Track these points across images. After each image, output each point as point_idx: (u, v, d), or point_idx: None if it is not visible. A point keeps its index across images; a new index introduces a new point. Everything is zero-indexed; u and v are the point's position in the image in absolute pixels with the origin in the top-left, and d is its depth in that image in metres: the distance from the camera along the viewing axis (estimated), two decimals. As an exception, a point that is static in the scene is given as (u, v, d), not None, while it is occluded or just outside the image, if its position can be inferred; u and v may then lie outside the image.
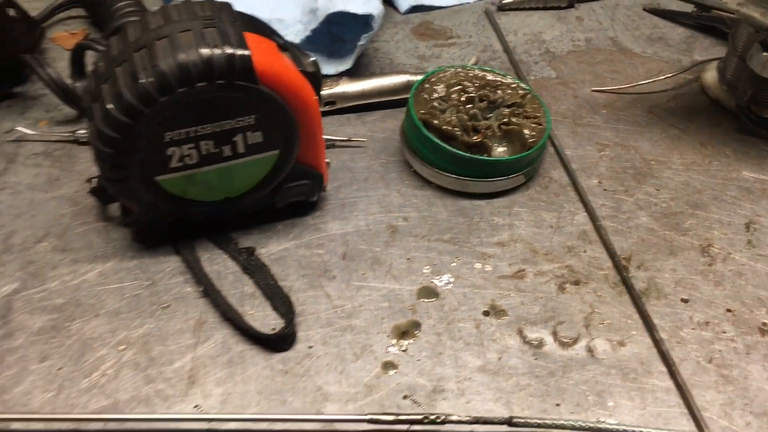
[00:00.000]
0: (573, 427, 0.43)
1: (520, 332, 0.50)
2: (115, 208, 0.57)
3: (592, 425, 0.43)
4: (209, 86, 0.46)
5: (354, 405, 0.45)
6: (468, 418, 0.43)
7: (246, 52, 0.46)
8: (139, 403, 0.45)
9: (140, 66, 0.46)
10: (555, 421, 0.43)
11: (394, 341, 0.49)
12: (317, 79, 0.52)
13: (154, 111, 0.46)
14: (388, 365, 0.48)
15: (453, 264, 0.54)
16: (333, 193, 0.60)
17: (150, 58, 0.46)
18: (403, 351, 0.49)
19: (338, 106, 0.67)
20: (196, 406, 0.45)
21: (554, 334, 0.50)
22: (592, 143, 0.66)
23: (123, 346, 0.48)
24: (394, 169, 0.62)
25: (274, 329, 0.49)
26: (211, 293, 0.51)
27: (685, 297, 0.53)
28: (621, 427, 0.44)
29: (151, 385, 0.46)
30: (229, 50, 0.46)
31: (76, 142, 0.63)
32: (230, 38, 0.47)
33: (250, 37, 0.48)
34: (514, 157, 0.58)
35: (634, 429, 0.44)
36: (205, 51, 0.46)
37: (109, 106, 0.46)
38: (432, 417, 0.43)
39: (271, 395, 0.46)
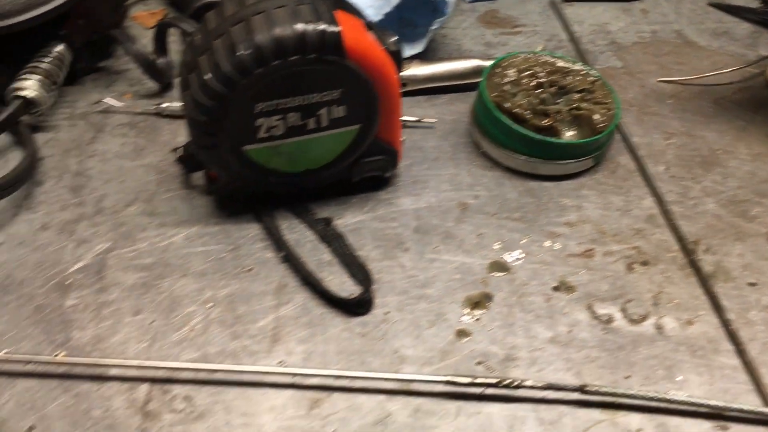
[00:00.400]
0: (644, 398, 0.45)
1: (590, 308, 0.51)
2: (198, 177, 0.60)
3: (663, 397, 0.45)
4: (301, 60, 0.48)
5: (430, 368, 0.47)
6: (542, 384, 0.45)
7: (336, 29, 0.48)
8: (227, 357, 0.47)
9: (238, 39, 0.48)
10: (626, 391, 0.45)
11: (466, 311, 0.51)
12: (399, 58, 0.54)
13: (249, 82, 0.48)
14: (462, 333, 0.50)
15: (523, 241, 0.56)
16: (404, 170, 0.62)
17: (247, 32, 0.48)
18: (476, 320, 0.50)
19: (408, 88, 0.69)
20: (280, 362, 0.47)
21: (623, 310, 0.51)
22: (659, 131, 0.67)
23: (210, 304, 0.50)
24: (463, 150, 0.64)
25: (351, 294, 0.51)
26: (291, 259, 0.53)
27: (753, 281, 0.53)
28: (691, 400, 0.45)
29: (237, 341, 0.48)
30: (321, 26, 0.48)
31: (160, 115, 0.66)
32: (322, 15, 0.49)
33: (339, 15, 0.50)
34: (584, 140, 0.59)
35: (705, 402, 0.45)
36: (299, 26, 0.48)
37: (207, 76, 0.48)
38: (507, 381, 0.45)
39: (350, 355, 0.48)
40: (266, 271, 0.53)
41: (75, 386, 0.45)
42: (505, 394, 0.46)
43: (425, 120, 0.66)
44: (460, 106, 0.68)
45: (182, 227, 0.56)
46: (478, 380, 0.45)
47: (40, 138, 0.62)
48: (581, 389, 0.45)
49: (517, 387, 0.45)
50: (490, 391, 0.46)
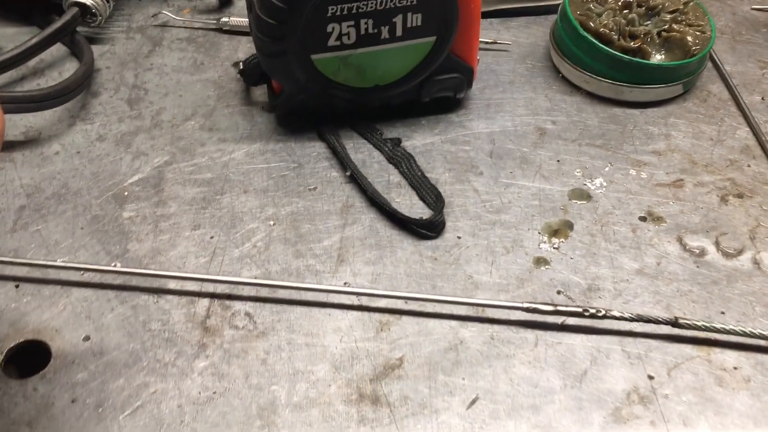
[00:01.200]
0: (744, 334, 0.41)
1: (680, 240, 0.47)
2: (260, 94, 0.57)
3: (763, 333, 0.41)
4: (377, -42, 0.44)
5: (506, 295, 0.44)
6: (630, 316, 0.41)
7: (416, -76, 0.44)
8: (290, 275, 0.45)
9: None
10: (723, 326, 0.41)
11: (545, 238, 0.47)
12: (480, -36, 0.49)
13: (321, -19, 0.44)
14: (540, 261, 0.46)
15: (606, 169, 0.52)
16: (477, 93, 0.58)
17: (320, -75, 0.44)
18: (555, 249, 0.47)
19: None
20: (345, 283, 0.44)
21: (717, 244, 0.47)
22: (753, 60, 0.61)
23: (272, 222, 0.48)
24: (540, 74, 0.60)
25: (422, 217, 0.47)
26: (357, 178, 0.50)
27: None
28: (796, 339, 0.41)
29: (301, 260, 0.46)
30: None
31: (220, 30, 0.62)
32: None
33: None
34: (677, 62, 0.54)
35: (811, 342, 0.41)
36: None
37: (276, -27, 0.45)
38: (592, 311, 0.41)
39: (420, 279, 0.45)
40: (331, 190, 0.50)
41: (132, 298, 0.43)
42: (588, 324, 0.42)
43: (500, 42, 0.62)
44: (537, 29, 0.64)
45: (243, 143, 0.53)
46: (560, 308, 0.41)
47: (96, 50, 0.59)
48: (674, 322, 0.41)
49: (604, 317, 0.41)
50: (572, 321, 0.42)
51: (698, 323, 0.41)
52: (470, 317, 0.43)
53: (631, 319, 0.41)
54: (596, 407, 0.39)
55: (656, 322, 0.41)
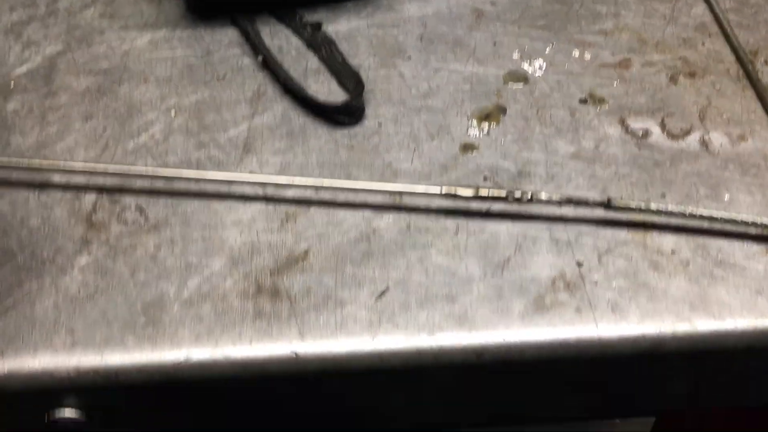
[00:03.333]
0: (681, 215, 0.37)
1: (622, 122, 0.43)
2: (168, -21, 0.51)
3: (703, 214, 0.37)
4: None
5: (427, 182, 0.40)
6: (559, 198, 0.37)
7: None
8: (189, 166, 0.41)
9: None
10: (660, 208, 0.37)
11: (474, 123, 0.43)
12: None
13: None
14: (468, 147, 0.42)
15: (547, 50, 0.47)
16: (411, -26, 0.52)
17: None
18: (485, 134, 0.43)
19: None
20: (250, 172, 0.40)
21: (662, 125, 0.43)
22: (716, -65, 0.56)
23: (173, 111, 0.43)
24: (481, -46, 0.54)
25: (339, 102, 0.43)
26: (271, 64, 0.45)
27: (822, 95, 0.44)
28: (739, 218, 0.37)
29: (202, 150, 0.41)
30: None
31: None
32: None
33: None
34: (626, -68, 0.49)
35: (755, 220, 0.37)
36: None
37: None
38: (517, 195, 0.37)
39: (334, 168, 0.41)
40: (241, 78, 0.45)
41: (10, 194, 0.39)
42: (514, 211, 0.39)
43: None
44: None
45: (147, 31, 0.48)
46: (482, 193, 0.37)
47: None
48: (606, 204, 0.37)
49: (530, 201, 0.37)
50: (497, 207, 0.38)
51: (632, 205, 0.37)
52: (385, 206, 0.39)
53: (560, 203, 0.37)
54: (517, 295, 0.35)
55: (587, 204, 0.37)
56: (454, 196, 0.38)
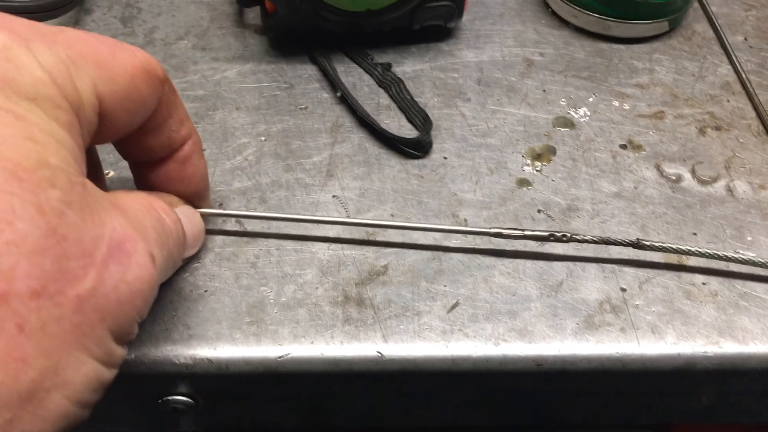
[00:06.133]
0: (707, 255, 0.43)
1: (658, 167, 0.49)
2: (252, 16, 0.57)
3: (722, 254, 0.42)
4: None
5: (488, 212, 0.46)
6: (593, 238, 0.43)
7: None
8: (279, 187, 0.46)
9: None
10: (689, 248, 0.43)
11: (528, 161, 0.49)
12: None
13: None
14: (523, 182, 0.48)
15: (590, 99, 0.53)
16: (467, 24, 0.59)
17: None
18: (538, 171, 0.48)
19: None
20: (334, 196, 0.46)
21: (693, 171, 0.49)
22: (739, 2, 0.63)
23: (263, 137, 0.49)
24: (530, 8, 0.60)
25: (410, 137, 0.49)
26: (348, 99, 0.51)
27: (833, 152, 0.51)
28: (760, 260, 0.43)
29: (291, 173, 0.47)
30: None
31: (213, -46, 0.62)
32: None
33: None
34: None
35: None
36: None
37: None
38: (558, 234, 0.43)
39: (406, 195, 0.46)
40: (321, 110, 0.51)
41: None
42: (568, 253, 0.44)
43: (491, -25, 0.62)
44: (528, -34, 0.64)
45: (235, 63, 0.54)
46: (527, 232, 0.43)
47: (89, -32, 0.59)
48: (636, 244, 0.42)
49: (569, 240, 0.43)
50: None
51: (657, 244, 0.42)
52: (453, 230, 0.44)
53: (593, 242, 0.43)
54: (570, 314, 0.41)
55: (618, 243, 0.43)
56: (500, 235, 0.43)
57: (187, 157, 0.38)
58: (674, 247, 0.42)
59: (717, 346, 0.40)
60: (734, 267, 0.43)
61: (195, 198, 0.40)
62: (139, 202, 0.32)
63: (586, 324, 0.40)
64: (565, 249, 0.44)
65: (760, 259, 0.43)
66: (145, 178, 0.38)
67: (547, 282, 0.42)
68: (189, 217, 0.38)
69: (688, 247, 0.43)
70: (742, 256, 0.43)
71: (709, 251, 0.43)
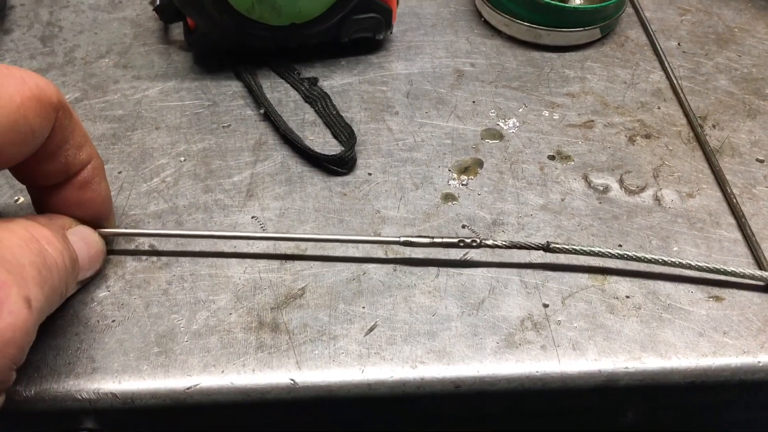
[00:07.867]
0: (613, 256, 0.42)
1: (586, 177, 0.48)
2: (176, 33, 0.56)
3: (633, 254, 0.42)
4: None
5: (411, 229, 0.45)
6: (504, 243, 0.42)
7: None
8: (197, 209, 0.45)
9: None
10: (592, 248, 0.42)
11: (455, 176, 0.48)
12: None
13: None
14: (449, 197, 0.47)
15: (520, 110, 0.52)
16: (399, 35, 0.58)
17: None
18: (464, 185, 0.47)
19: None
20: (253, 217, 0.45)
21: (621, 181, 0.48)
22: (674, 7, 0.62)
23: (183, 158, 0.48)
24: (463, 18, 0.60)
25: (334, 154, 0.48)
26: (271, 116, 0.50)
27: (761, 158, 0.50)
28: (685, 261, 0.42)
29: (209, 195, 0.46)
30: None
31: (140, -31, 0.61)
32: None
33: None
34: (593, 6, 0.55)
35: (699, 264, 0.42)
36: None
37: None
38: (468, 240, 0.42)
39: (328, 213, 0.45)
40: (245, 127, 0.50)
41: (35, 230, 0.43)
42: (488, 259, 0.43)
43: (423, -15, 0.61)
44: (462, -26, 0.63)
45: (158, 81, 0.52)
46: (436, 240, 0.42)
47: (10, -14, 0.58)
48: (546, 247, 0.42)
49: (479, 246, 0.42)
50: (473, 254, 0.43)
51: (568, 246, 0.42)
52: (375, 250, 0.43)
53: (505, 246, 0.42)
54: (490, 333, 0.40)
55: (528, 248, 0.42)
56: (410, 244, 0.42)
57: (86, 182, 0.37)
58: (581, 248, 0.42)
59: (639, 361, 0.39)
60: (660, 280, 0.43)
61: (96, 222, 0.38)
62: (18, 234, 0.31)
63: (507, 342, 0.40)
64: (488, 267, 0.43)
65: (664, 258, 0.42)
66: (43, 203, 0.37)
67: (469, 300, 0.41)
68: (85, 238, 0.37)
69: (600, 249, 0.42)
70: (647, 256, 0.42)
71: (613, 252, 0.42)
